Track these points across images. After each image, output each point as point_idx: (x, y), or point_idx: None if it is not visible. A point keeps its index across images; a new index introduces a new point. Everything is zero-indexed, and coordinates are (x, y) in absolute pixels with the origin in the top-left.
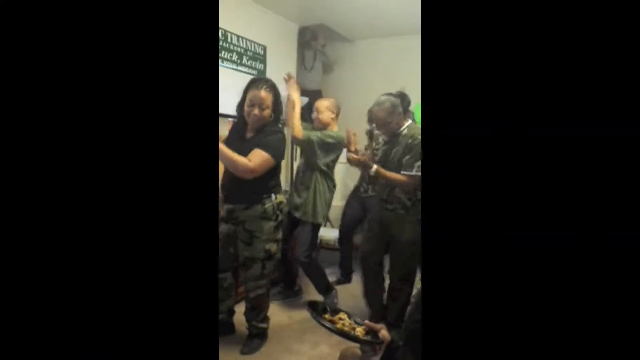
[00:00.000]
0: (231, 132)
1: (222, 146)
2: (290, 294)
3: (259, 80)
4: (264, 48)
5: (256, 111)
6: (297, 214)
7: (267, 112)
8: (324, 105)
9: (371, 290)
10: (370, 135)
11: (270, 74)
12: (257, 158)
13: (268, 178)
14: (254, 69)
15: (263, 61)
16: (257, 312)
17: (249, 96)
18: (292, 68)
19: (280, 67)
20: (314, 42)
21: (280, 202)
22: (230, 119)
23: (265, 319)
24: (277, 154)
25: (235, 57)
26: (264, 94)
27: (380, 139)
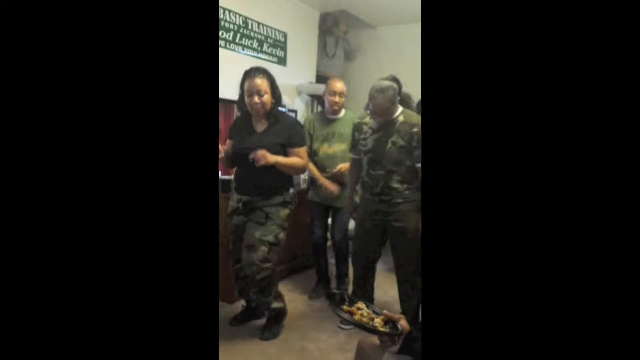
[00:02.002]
0: (234, 128)
1: (278, 157)
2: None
3: (252, 70)
4: (285, 35)
5: (256, 99)
6: (336, 204)
7: (267, 97)
8: (343, 88)
9: (361, 289)
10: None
11: (290, 61)
12: (304, 153)
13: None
14: (275, 56)
15: (284, 48)
16: (266, 293)
17: (245, 87)
18: (312, 55)
19: (301, 54)
20: (336, 29)
21: (295, 194)
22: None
23: (278, 297)
24: (305, 141)
25: (255, 45)
26: (259, 80)
27: (366, 127)
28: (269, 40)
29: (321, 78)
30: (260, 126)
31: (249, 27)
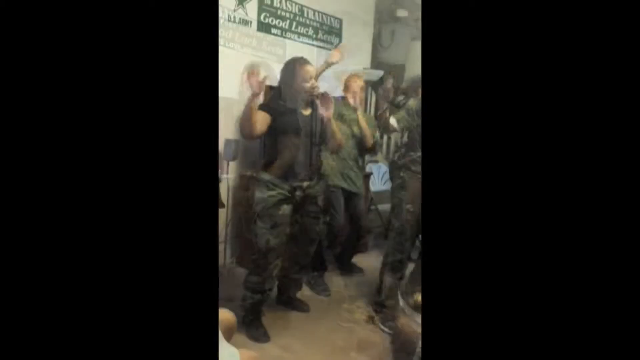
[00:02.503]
0: (277, 109)
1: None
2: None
3: (299, 58)
4: (340, 21)
5: (315, 82)
6: (355, 189)
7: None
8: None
9: None
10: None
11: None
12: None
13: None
14: (329, 43)
15: (339, 34)
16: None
17: (300, 74)
18: (368, 41)
19: (357, 40)
20: (404, 16)
21: None
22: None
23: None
24: None
25: (311, 32)
26: (311, 67)
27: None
28: (324, 27)
29: (378, 64)
30: (306, 111)
31: (305, 14)
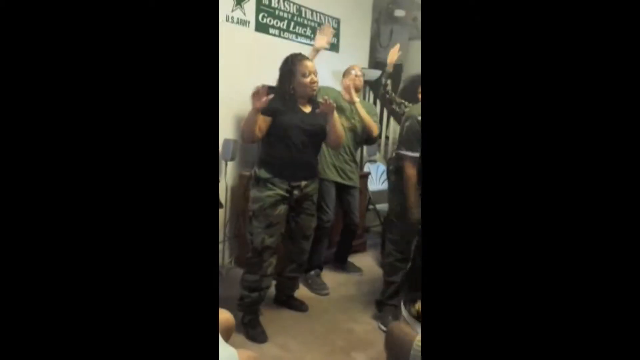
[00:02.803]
0: (275, 107)
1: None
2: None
3: (298, 54)
4: (338, 21)
5: (314, 77)
6: (349, 182)
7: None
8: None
9: None
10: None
11: (343, 47)
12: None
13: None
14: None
15: (337, 34)
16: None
17: (299, 69)
18: (366, 41)
19: (355, 39)
20: (402, 15)
21: None
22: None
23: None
24: None
25: (309, 32)
26: (311, 63)
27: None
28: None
29: (376, 64)
30: (306, 108)
31: (303, 14)
